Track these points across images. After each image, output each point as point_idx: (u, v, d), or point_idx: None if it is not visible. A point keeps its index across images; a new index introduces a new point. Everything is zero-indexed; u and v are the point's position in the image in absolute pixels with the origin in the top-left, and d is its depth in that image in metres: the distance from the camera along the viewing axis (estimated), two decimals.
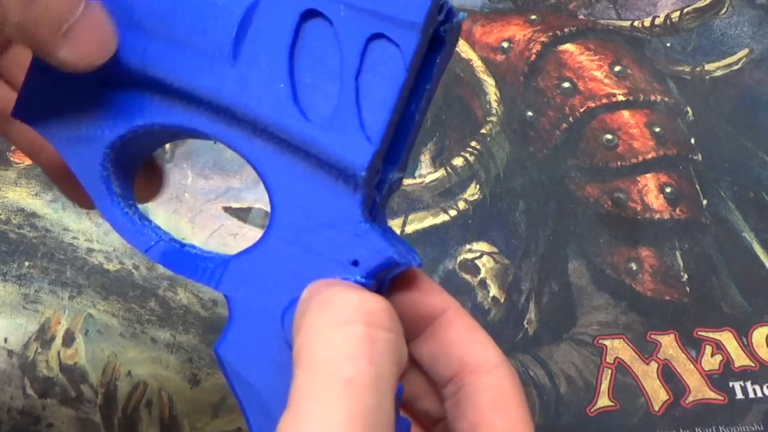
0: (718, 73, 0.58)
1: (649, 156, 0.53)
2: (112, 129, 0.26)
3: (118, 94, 0.26)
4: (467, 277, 0.48)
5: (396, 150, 0.25)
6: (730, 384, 0.45)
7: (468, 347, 0.25)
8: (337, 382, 0.20)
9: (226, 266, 0.26)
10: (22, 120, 0.28)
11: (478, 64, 0.55)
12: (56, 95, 0.27)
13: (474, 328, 0.26)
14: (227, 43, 0.24)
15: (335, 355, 0.20)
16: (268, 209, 0.41)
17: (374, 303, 0.22)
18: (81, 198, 0.32)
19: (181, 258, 0.27)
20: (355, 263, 0.24)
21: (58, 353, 0.45)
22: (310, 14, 0.24)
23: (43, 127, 0.27)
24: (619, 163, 0.52)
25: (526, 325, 0.47)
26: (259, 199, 0.49)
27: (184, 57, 0.25)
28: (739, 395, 0.45)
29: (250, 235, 0.48)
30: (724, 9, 0.61)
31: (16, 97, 0.28)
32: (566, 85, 0.55)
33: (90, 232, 0.48)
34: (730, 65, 0.58)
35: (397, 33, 0.23)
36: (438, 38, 0.24)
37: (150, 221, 0.28)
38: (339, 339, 0.21)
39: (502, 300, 0.47)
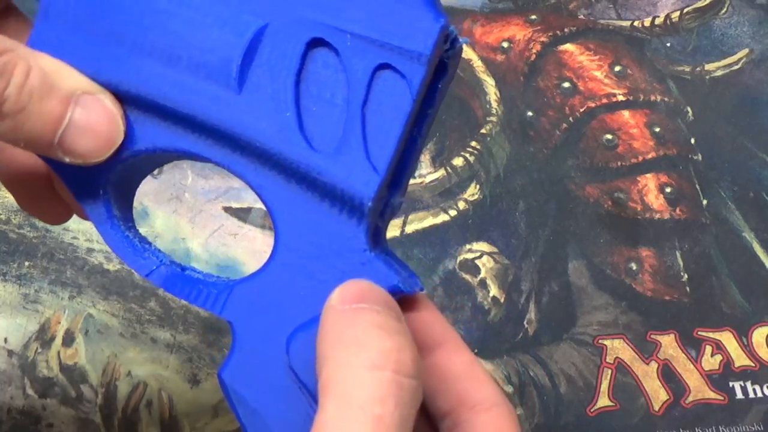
0: (718, 73, 0.58)
1: (649, 156, 0.53)
2: (113, 156, 0.26)
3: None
4: (467, 277, 0.48)
5: (398, 174, 0.25)
6: (730, 384, 0.45)
7: (467, 383, 0.25)
8: (368, 419, 0.21)
9: (230, 292, 0.26)
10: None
11: (478, 64, 0.55)
12: None
13: (473, 363, 0.26)
14: (233, 70, 0.24)
15: (367, 394, 0.21)
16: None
17: (404, 353, 0.22)
18: (43, 213, 0.31)
19: (184, 283, 0.27)
20: None
21: (58, 353, 0.45)
22: (316, 43, 0.24)
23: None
24: (619, 163, 0.52)
25: (526, 325, 0.47)
26: (258, 200, 0.49)
27: (187, 82, 0.25)
28: (739, 395, 0.45)
29: (250, 235, 0.48)
30: (724, 9, 0.61)
31: None
32: (566, 85, 0.55)
33: (90, 232, 0.48)
34: (730, 65, 0.58)
35: (404, 64, 0.23)
36: (441, 64, 0.24)
37: (150, 244, 0.28)
38: (371, 381, 0.21)
39: (502, 300, 0.47)
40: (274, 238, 0.25)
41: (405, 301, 0.25)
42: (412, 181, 0.51)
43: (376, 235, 0.25)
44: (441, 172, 0.51)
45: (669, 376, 0.45)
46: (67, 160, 0.24)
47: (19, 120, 0.23)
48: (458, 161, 0.51)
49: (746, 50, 0.59)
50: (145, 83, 0.25)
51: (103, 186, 0.26)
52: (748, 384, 0.45)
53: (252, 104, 0.24)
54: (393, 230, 0.49)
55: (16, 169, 0.29)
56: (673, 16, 0.61)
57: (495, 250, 0.49)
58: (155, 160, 0.27)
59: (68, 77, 0.24)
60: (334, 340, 0.22)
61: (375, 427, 0.21)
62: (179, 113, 0.25)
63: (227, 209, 0.49)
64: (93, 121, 0.24)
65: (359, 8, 0.24)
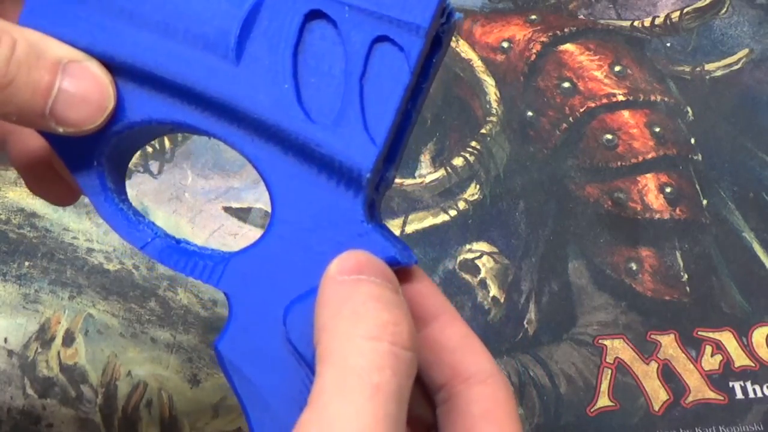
0: (718, 73, 0.58)
1: (649, 156, 0.53)
2: (109, 127, 0.25)
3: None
4: (467, 277, 0.48)
5: (392, 148, 0.25)
6: (730, 384, 0.45)
7: (461, 355, 0.25)
8: (366, 386, 0.21)
9: (226, 264, 0.26)
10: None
11: (478, 64, 0.55)
12: None
13: (468, 335, 0.26)
14: (231, 41, 0.24)
15: (365, 362, 0.22)
16: (268, 209, 0.41)
17: (400, 326, 0.23)
18: (50, 194, 0.31)
19: (180, 255, 0.27)
20: None
21: (58, 353, 0.45)
22: (314, 15, 0.24)
23: None
24: (619, 163, 0.52)
25: (526, 325, 0.47)
26: (259, 199, 0.49)
27: (184, 53, 0.24)
28: (739, 395, 0.45)
29: (250, 235, 0.48)
30: (724, 9, 0.61)
31: None
32: (566, 85, 0.55)
33: (90, 232, 0.48)
34: (730, 65, 0.58)
35: (403, 36, 0.23)
36: (436, 37, 0.24)
37: (144, 217, 0.28)
38: (369, 350, 0.22)
39: (502, 300, 0.47)
40: (270, 210, 0.25)
41: (401, 273, 0.25)
42: (412, 181, 0.51)
43: (372, 208, 0.25)
44: (441, 172, 0.51)
45: (669, 376, 0.45)
46: (60, 130, 0.24)
47: (9, 93, 0.23)
48: (458, 161, 0.51)
49: (746, 50, 0.59)
50: (141, 54, 0.25)
51: (97, 158, 0.26)
52: (748, 384, 0.45)
53: (250, 76, 0.24)
54: (393, 230, 0.49)
55: (26, 151, 0.29)
56: (673, 16, 0.61)
57: (495, 250, 0.49)
58: (150, 132, 0.27)
59: (54, 47, 0.24)
60: (333, 310, 0.23)
61: (372, 394, 0.21)
62: (175, 84, 0.25)
63: (227, 209, 0.49)
64: (83, 89, 0.24)
65: None
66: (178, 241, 0.27)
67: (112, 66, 0.25)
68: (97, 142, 0.26)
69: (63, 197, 0.32)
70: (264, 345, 0.25)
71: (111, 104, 0.25)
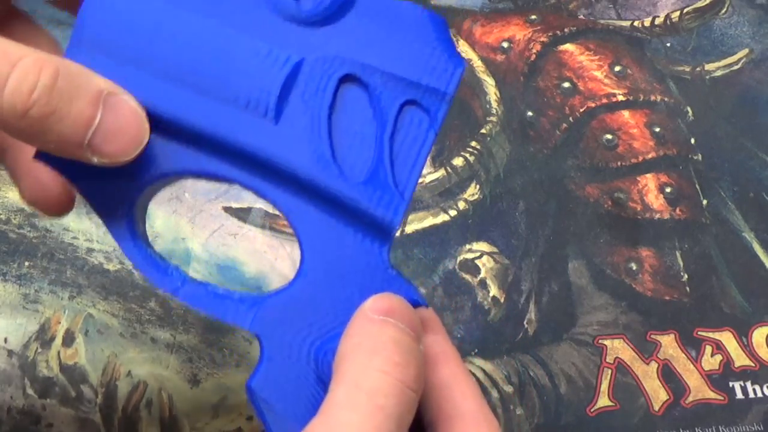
0: (718, 73, 0.58)
1: (649, 156, 0.53)
2: (143, 176, 0.26)
3: (151, 142, 0.26)
4: (467, 277, 0.48)
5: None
6: (730, 384, 0.45)
7: (452, 394, 0.26)
8: (371, 405, 0.23)
9: (258, 308, 0.27)
10: (45, 162, 0.27)
11: (478, 64, 0.55)
12: None
13: (459, 375, 0.27)
14: (271, 102, 0.26)
15: (374, 386, 0.24)
16: (268, 209, 0.42)
17: (409, 368, 0.25)
18: (47, 204, 0.31)
19: (209, 299, 0.28)
20: None
21: (58, 353, 0.45)
22: (347, 78, 0.26)
23: (67, 171, 0.27)
24: (619, 163, 0.52)
25: (526, 325, 0.47)
26: (258, 199, 0.49)
27: (223, 111, 0.26)
28: (739, 395, 0.45)
29: (250, 235, 0.48)
30: (724, 9, 0.61)
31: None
32: (566, 85, 0.55)
33: (90, 232, 0.48)
34: (730, 65, 0.58)
35: (430, 101, 0.26)
36: None
37: (168, 261, 0.28)
38: (379, 378, 0.24)
39: (502, 300, 0.47)
40: (301, 257, 0.27)
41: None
42: None
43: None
44: (441, 172, 0.51)
45: (669, 376, 0.45)
46: (95, 160, 0.24)
47: (50, 122, 0.23)
48: (458, 161, 0.51)
49: (746, 50, 0.59)
50: (179, 109, 0.26)
51: (128, 205, 0.27)
52: (748, 384, 0.45)
53: (288, 134, 0.26)
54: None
55: (27, 162, 0.29)
56: (673, 16, 0.61)
57: (495, 250, 0.49)
58: (179, 178, 0.28)
59: (95, 78, 0.24)
60: (356, 342, 0.25)
61: (375, 413, 0.23)
62: (214, 140, 0.26)
63: (227, 209, 0.49)
64: (121, 121, 0.24)
65: (389, 48, 0.26)
66: (206, 285, 0.28)
67: (150, 117, 0.26)
68: (129, 191, 0.27)
69: (60, 208, 0.31)
70: (296, 384, 0.26)
71: (146, 138, 0.25)
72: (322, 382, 0.26)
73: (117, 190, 0.26)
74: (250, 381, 0.26)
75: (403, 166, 0.26)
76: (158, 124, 0.26)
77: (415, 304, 0.26)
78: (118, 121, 0.24)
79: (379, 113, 0.26)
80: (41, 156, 0.26)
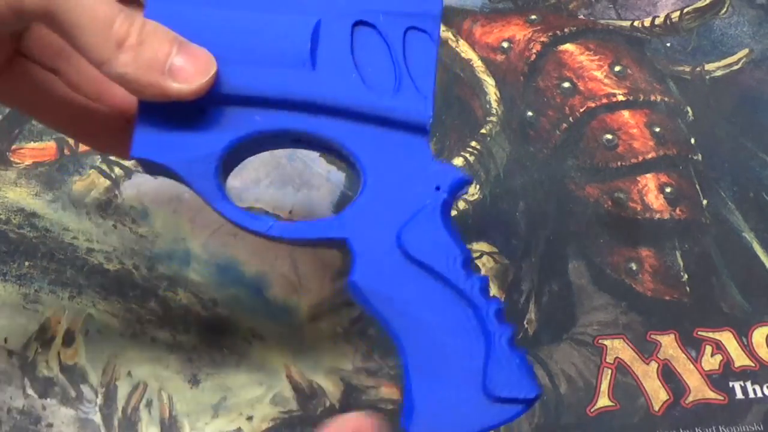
0: (718, 73, 0.58)
1: (649, 156, 0.53)
2: (219, 144, 0.33)
3: (219, 114, 0.33)
4: None
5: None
6: (730, 384, 0.45)
7: None
8: None
9: (339, 218, 0.33)
10: (143, 156, 0.33)
11: (478, 64, 0.55)
12: (166, 128, 0.33)
13: None
14: (305, 55, 0.33)
15: None
16: (268, 209, 0.43)
17: None
18: (101, 143, 0.39)
19: (298, 227, 0.34)
20: (438, 188, 0.33)
21: (58, 353, 0.45)
22: (358, 23, 0.33)
23: (160, 157, 0.33)
24: (619, 163, 0.52)
25: (526, 325, 0.47)
26: (259, 199, 0.49)
27: (271, 73, 0.33)
28: (739, 395, 0.45)
29: (249, 234, 0.48)
30: (724, 9, 0.61)
31: (133, 138, 0.33)
32: (566, 85, 0.55)
33: (90, 232, 0.48)
34: (730, 65, 0.58)
35: (425, 23, 0.34)
36: None
37: (253, 209, 0.36)
38: None
39: (502, 300, 0.47)
40: (361, 171, 0.33)
41: None
42: None
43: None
44: None
45: (669, 376, 0.45)
46: (174, 86, 0.31)
47: (140, 50, 0.30)
48: (458, 161, 0.51)
49: (746, 50, 0.59)
50: (242, 80, 0.32)
51: (214, 169, 0.33)
52: (748, 384, 0.45)
53: (325, 76, 0.33)
54: None
55: (80, 79, 0.36)
56: (673, 16, 0.61)
57: (495, 250, 0.49)
58: (251, 144, 0.34)
59: (170, 30, 0.32)
60: None
61: None
62: (269, 98, 0.33)
63: None
64: (194, 53, 0.31)
65: None
66: (291, 222, 0.34)
67: (219, 95, 0.32)
68: (211, 157, 0.33)
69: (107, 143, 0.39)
70: (389, 266, 0.32)
71: (214, 69, 0.32)
72: (408, 257, 0.32)
73: (203, 162, 0.33)
74: (351, 277, 0.32)
75: (421, 76, 0.33)
76: (227, 96, 0.32)
77: (464, 180, 0.33)
78: (190, 53, 0.31)
79: (389, 42, 0.33)
80: (137, 152, 0.33)
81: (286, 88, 0.33)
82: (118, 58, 0.30)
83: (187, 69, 0.31)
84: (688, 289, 0.48)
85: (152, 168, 0.34)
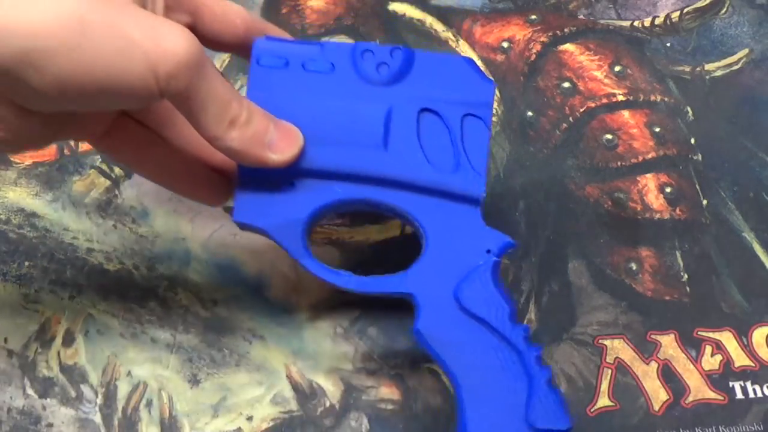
0: (718, 73, 0.58)
1: (649, 156, 0.53)
2: (305, 211, 0.39)
3: (305, 185, 0.39)
4: None
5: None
6: (730, 384, 0.45)
7: None
8: None
9: (405, 276, 0.39)
10: (245, 221, 0.39)
11: (478, 64, 0.55)
12: (261, 195, 0.39)
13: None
14: (379, 138, 0.39)
15: None
16: None
17: None
18: (196, 194, 0.43)
19: (372, 282, 0.40)
20: (489, 251, 0.39)
21: (58, 353, 0.45)
22: (423, 111, 0.40)
23: (258, 221, 0.39)
24: (619, 163, 0.52)
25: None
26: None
27: (350, 151, 0.39)
28: (739, 395, 0.45)
29: (250, 235, 0.48)
30: (724, 9, 0.61)
31: (234, 206, 0.39)
32: (566, 85, 0.55)
33: (90, 232, 0.48)
34: (730, 65, 0.58)
35: (479, 110, 0.40)
36: None
37: (334, 267, 0.41)
38: None
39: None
40: (424, 235, 0.40)
41: None
42: None
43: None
44: None
45: (669, 376, 0.45)
46: (273, 158, 0.37)
47: (248, 124, 0.36)
48: None
49: (746, 50, 0.59)
50: (327, 159, 0.39)
51: (301, 233, 0.39)
52: (748, 384, 0.45)
53: (395, 155, 0.39)
54: (393, 230, 0.49)
55: (167, 169, 0.42)
56: (673, 16, 0.61)
57: None
58: (331, 210, 0.40)
59: (265, 111, 0.37)
60: None
61: None
62: (348, 173, 0.39)
63: (227, 209, 0.49)
64: (286, 129, 0.38)
65: (445, 85, 0.40)
66: (367, 277, 0.40)
67: (300, 170, 0.39)
68: (300, 222, 0.39)
69: (219, 198, 0.43)
70: (448, 317, 0.39)
71: (301, 142, 0.38)
72: (464, 309, 0.38)
73: (293, 227, 0.39)
74: (416, 326, 0.39)
75: (475, 156, 0.39)
76: (313, 170, 0.39)
77: (509, 246, 0.39)
78: (283, 130, 0.37)
79: (450, 127, 0.39)
80: (239, 217, 0.40)
81: (363, 164, 0.39)
82: (230, 134, 0.35)
83: (281, 142, 0.37)
84: (688, 289, 0.48)
85: (246, 228, 0.40)
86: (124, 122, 0.40)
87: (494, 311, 0.38)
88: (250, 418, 0.43)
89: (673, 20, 0.60)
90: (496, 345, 0.38)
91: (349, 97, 0.39)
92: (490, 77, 0.42)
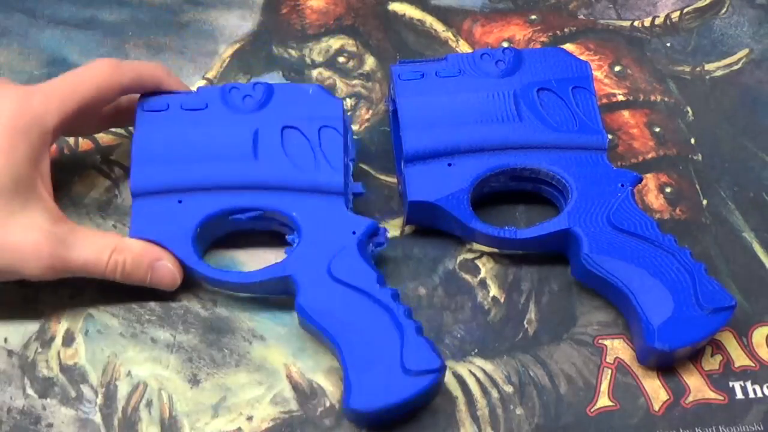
0: (718, 73, 0.58)
1: (649, 156, 0.53)
2: (195, 219, 0.46)
3: (193, 200, 0.46)
4: (467, 277, 0.48)
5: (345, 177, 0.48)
6: (730, 384, 0.45)
7: None
8: None
9: (283, 263, 0.44)
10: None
11: None
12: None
13: None
14: (249, 150, 0.47)
15: None
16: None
17: None
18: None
19: (255, 274, 0.45)
20: (354, 232, 0.45)
21: (58, 353, 0.45)
22: (286, 128, 0.47)
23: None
24: (619, 163, 0.52)
25: (526, 325, 0.47)
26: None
27: (222, 166, 0.46)
28: (739, 395, 0.45)
29: (249, 234, 0.48)
30: (724, 9, 0.61)
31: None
32: None
33: None
34: (730, 65, 0.58)
35: (331, 122, 0.48)
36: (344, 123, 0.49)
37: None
38: None
39: (502, 300, 0.47)
40: (296, 226, 0.45)
41: None
42: None
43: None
44: None
45: (669, 376, 0.45)
46: (153, 286, 0.46)
47: (130, 278, 0.45)
48: None
49: (746, 50, 0.59)
50: (204, 178, 0.46)
51: (193, 243, 0.46)
52: (748, 384, 0.45)
53: (265, 164, 0.46)
54: (393, 230, 0.49)
55: None
56: (673, 16, 0.61)
57: (495, 250, 0.49)
58: (214, 227, 0.47)
59: (149, 253, 0.45)
60: None
61: None
62: (221, 185, 0.46)
63: None
64: (163, 273, 0.45)
65: (301, 108, 0.48)
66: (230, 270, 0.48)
67: (185, 189, 0.46)
68: (184, 237, 0.46)
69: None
70: (326, 291, 0.43)
71: (179, 279, 0.46)
72: (337, 280, 0.43)
73: (179, 234, 0.46)
74: (298, 301, 0.43)
75: (332, 157, 0.47)
76: (191, 190, 0.46)
77: (374, 226, 0.46)
78: (160, 274, 0.45)
79: (309, 138, 0.47)
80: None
81: (238, 175, 0.46)
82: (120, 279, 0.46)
83: (162, 283, 0.46)
84: None
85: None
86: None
87: (363, 278, 0.43)
88: (250, 418, 0.43)
89: (673, 20, 0.60)
90: (368, 306, 0.42)
91: (222, 125, 0.47)
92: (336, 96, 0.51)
